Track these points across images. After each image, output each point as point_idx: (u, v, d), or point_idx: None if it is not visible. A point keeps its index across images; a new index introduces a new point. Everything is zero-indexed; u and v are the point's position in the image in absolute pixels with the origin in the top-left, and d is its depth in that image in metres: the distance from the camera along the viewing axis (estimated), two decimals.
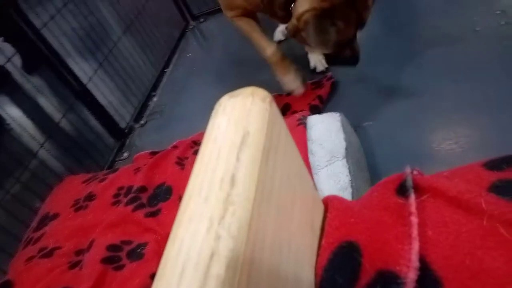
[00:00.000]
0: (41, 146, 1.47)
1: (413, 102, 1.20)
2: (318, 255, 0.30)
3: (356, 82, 1.39)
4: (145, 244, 1.01)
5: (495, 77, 1.14)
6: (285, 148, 0.28)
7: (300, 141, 0.96)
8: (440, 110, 1.13)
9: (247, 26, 1.37)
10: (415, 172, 0.40)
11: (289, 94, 1.43)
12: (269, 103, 0.28)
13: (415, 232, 0.30)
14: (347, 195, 0.87)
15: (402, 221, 0.32)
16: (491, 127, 1.03)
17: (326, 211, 0.34)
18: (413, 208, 0.32)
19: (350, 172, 0.90)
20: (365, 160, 1.05)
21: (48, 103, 1.54)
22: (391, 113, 1.20)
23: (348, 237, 0.32)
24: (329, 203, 0.35)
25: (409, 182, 0.35)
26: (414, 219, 0.31)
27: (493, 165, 0.36)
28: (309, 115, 1.17)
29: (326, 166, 0.93)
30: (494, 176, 0.33)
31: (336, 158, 0.94)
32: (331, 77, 1.43)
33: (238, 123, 0.25)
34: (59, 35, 1.57)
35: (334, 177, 0.90)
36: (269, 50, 1.35)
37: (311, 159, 0.94)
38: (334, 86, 1.40)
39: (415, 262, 0.29)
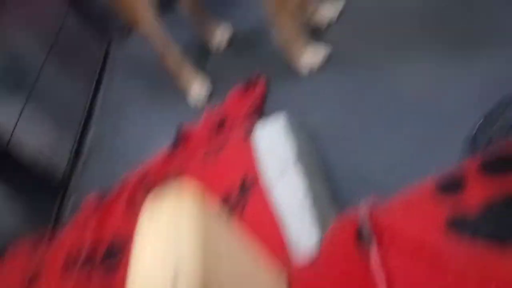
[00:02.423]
0: None
1: (354, 80, 1.17)
2: None
3: (285, 74, 1.32)
4: None
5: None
6: (229, 249, 0.24)
7: (250, 159, 0.93)
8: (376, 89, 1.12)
9: None
10: (370, 204, 0.38)
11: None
12: (200, 201, 0.24)
13: None
14: (308, 202, 0.85)
15: (371, 281, 0.30)
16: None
17: None
18: (377, 264, 0.30)
19: (304, 178, 0.89)
20: (318, 159, 1.03)
21: None
22: (334, 101, 1.16)
23: None
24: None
25: (366, 231, 0.33)
26: (382, 278, 0.29)
27: (446, 186, 0.35)
28: (254, 122, 1.14)
29: (281, 177, 0.91)
30: (449, 207, 0.32)
31: (289, 166, 0.92)
32: (259, 75, 1.34)
33: (166, 252, 0.21)
34: None
35: (290, 187, 0.88)
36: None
37: (265, 172, 0.92)
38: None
39: None
